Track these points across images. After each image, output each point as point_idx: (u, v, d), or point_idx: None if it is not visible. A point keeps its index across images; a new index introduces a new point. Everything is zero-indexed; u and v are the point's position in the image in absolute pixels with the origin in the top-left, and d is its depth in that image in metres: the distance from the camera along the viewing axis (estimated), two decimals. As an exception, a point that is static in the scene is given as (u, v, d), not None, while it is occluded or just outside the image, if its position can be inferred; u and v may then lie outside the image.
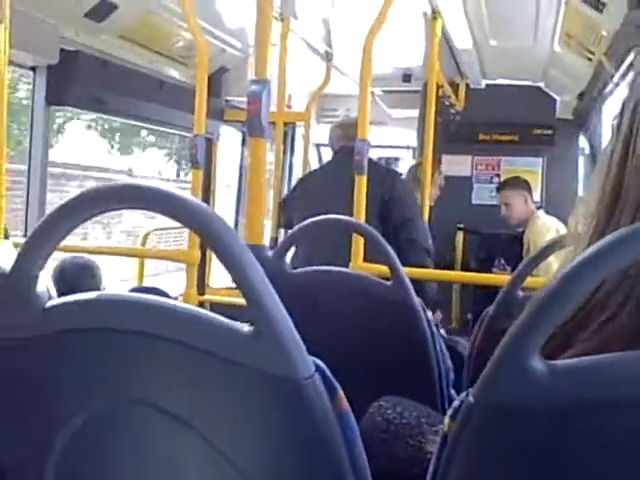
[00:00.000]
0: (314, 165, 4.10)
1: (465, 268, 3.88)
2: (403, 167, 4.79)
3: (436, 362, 1.18)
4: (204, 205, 0.53)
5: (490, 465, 0.47)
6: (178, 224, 0.54)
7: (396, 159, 5.31)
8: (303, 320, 1.19)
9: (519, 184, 3.37)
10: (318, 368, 0.54)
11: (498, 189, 3.48)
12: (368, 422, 1.02)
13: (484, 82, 4.26)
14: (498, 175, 4.30)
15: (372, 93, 4.47)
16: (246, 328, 0.53)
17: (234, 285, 0.52)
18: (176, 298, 2.28)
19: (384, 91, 4.50)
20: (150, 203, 0.51)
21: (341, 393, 0.55)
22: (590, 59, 3.12)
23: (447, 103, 3.75)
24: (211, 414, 0.54)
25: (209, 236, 0.52)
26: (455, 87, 4.07)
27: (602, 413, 0.44)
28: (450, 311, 3.93)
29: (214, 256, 0.53)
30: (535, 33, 3.27)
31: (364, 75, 1.96)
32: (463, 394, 0.50)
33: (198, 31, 2.12)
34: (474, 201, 4.30)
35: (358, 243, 1.88)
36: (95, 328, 0.54)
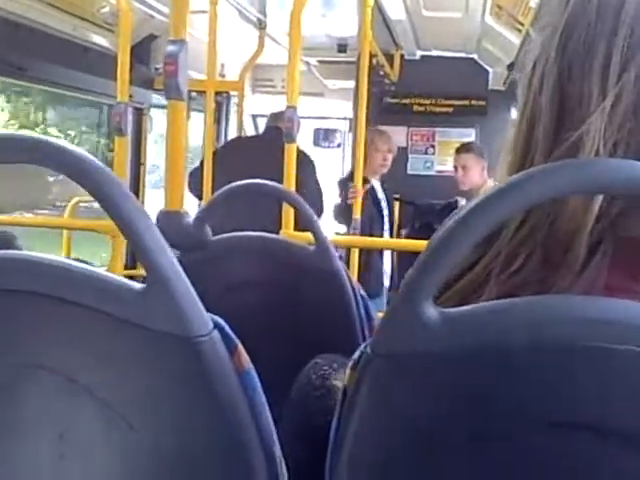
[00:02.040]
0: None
1: (401, 236, 3.93)
2: (340, 138, 4.80)
3: (360, 327, 1.19)
4: (88, 156, 0.50)
5: (388, 412, 0.47)
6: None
7: (334, 130, 5.30)
8: (225, 286, 1.17)
9: (481, 152, 3.31)
10: (217, 325, 0.53)
11: (458, 151, 3.37)
12: (304, 379, 1.02)
13: (419, 53, 4.28)
14: (433, 146, 4.37)
15: (308, 63, 4.44)
16: (138, 286, 0.51)
17: None
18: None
19: (320, 61, 4.46)
20: (27, 154, 0.48)
21: (241, 350, 0.54)
22: (520, 30, 3.17)
23: (382, 73, 3.75)
24: (106, 375, 0.53)
25: (96, 191, 0.49)
26: (390, 58, 4.08)
27: (493, 358, 0.45)
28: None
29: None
30: (467, 4, 3.30)
31: (293, 42, 1.93)
32: (362, 345, 0.50)
33: (120, -6, 2.04)
34: (409, 171, 4.35)
35: (288, 211, 1.87)
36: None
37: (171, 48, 1.12)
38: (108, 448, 0.54)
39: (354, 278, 1.29)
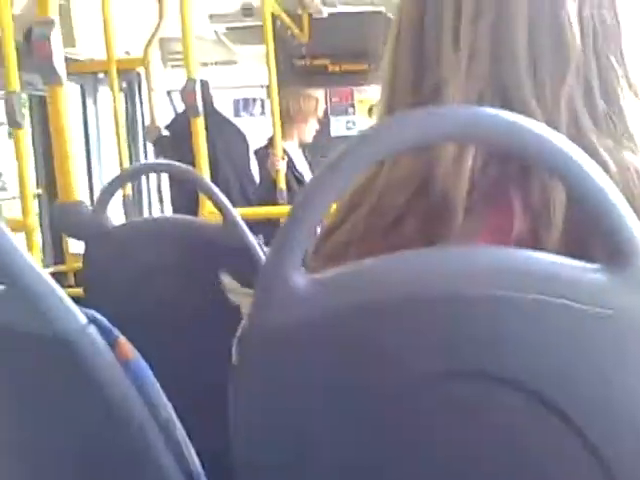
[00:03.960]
0: (166, 113, 3.93)
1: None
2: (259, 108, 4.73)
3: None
4: None
5: (272, 386, 0.47)
6: None
7: (254, 100, 5.22)
8: (135, 272, 1.14)
9: None
10: (93, 320, 0.51)
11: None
12: None
13: (326, 11, 4.22)
14: (352, 105, 4.35)
15: (216, 32, 4.32)
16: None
17: None
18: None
19: (228, 28, 4.35)
20: None
21: (123, 341, 0.52)
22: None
23: (290, 34, 3.70)
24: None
25: None
26: (298, 19, 4.02)
27: (367, 319, 0.44)
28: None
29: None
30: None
31: (184, 9, 1.86)
32: (243, 321, 0.49)
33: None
34: (332, 133, 4.33)
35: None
36: None
37: (39, 30, 1.03)
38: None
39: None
